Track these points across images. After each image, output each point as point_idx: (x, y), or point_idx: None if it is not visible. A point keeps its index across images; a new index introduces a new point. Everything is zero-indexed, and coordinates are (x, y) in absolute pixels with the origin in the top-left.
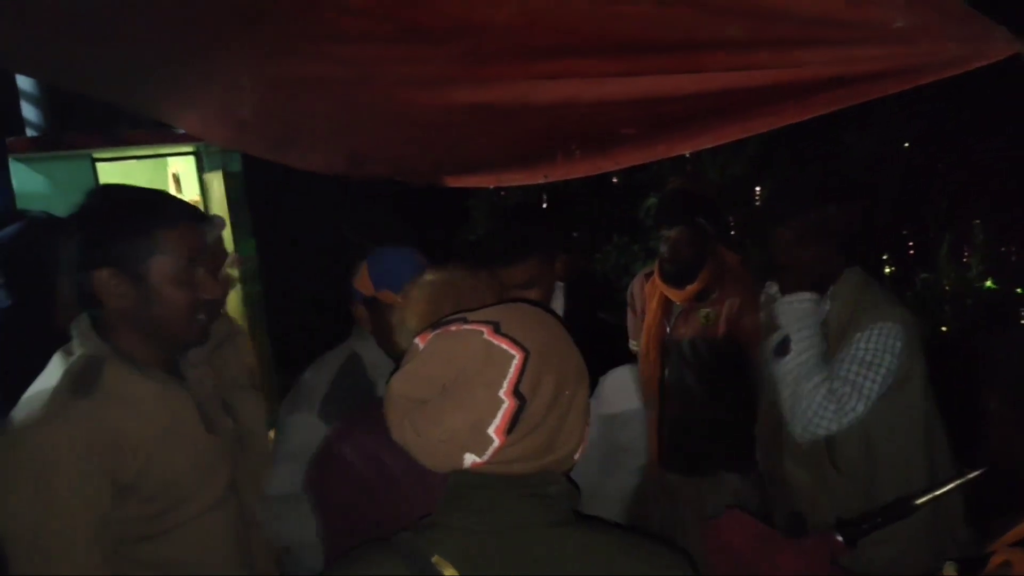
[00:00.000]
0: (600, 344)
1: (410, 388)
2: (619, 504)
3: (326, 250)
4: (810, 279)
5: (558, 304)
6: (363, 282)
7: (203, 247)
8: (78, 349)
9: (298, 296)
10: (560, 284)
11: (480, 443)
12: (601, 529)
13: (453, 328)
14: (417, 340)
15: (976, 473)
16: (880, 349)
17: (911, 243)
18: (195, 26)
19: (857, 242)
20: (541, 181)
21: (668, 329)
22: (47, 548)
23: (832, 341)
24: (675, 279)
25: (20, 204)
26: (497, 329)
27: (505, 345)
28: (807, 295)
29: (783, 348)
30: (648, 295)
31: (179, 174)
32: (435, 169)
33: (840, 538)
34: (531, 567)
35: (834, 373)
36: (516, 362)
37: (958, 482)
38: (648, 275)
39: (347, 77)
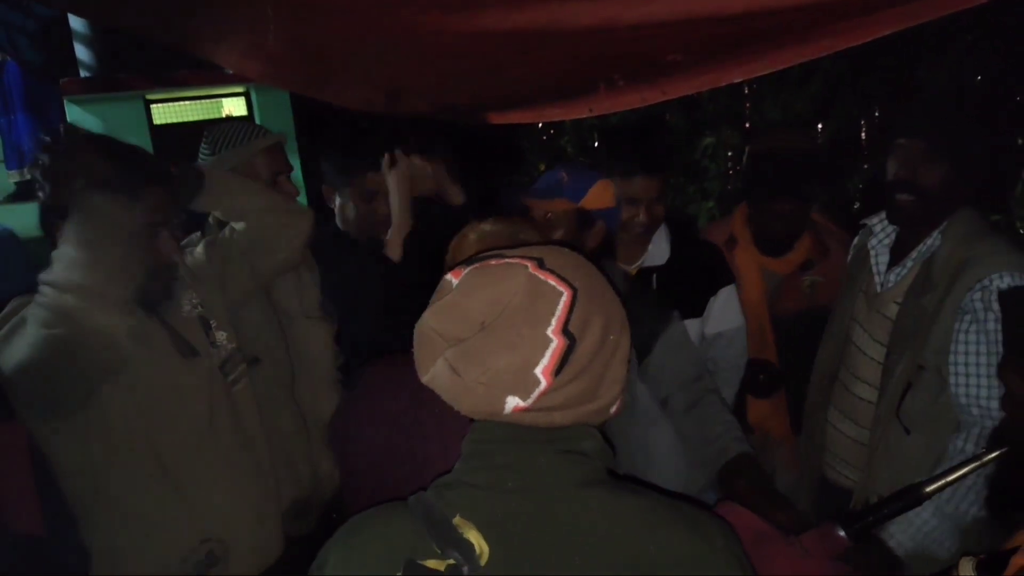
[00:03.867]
0: None
1: (446, 324)
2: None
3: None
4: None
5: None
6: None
7: None
8: None
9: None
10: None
11: (525, 385)
12: (636, 491)
13: (493, 262)
14: (449, 276)
15: (994, 454)
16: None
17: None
18: None
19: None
20: (586, 116)
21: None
22: None
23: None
24: (775, 250)
25: None
26: (542, 264)
27: (552, 281)
28: None
29: None
30: (741, 267)
31: (233, 115)
32: (476, 106)
33: (843, 533)
34: (560, 529)
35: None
36: (565, 299)
37: (973, 465)
38: (728, 243)
39: (370, 3)
